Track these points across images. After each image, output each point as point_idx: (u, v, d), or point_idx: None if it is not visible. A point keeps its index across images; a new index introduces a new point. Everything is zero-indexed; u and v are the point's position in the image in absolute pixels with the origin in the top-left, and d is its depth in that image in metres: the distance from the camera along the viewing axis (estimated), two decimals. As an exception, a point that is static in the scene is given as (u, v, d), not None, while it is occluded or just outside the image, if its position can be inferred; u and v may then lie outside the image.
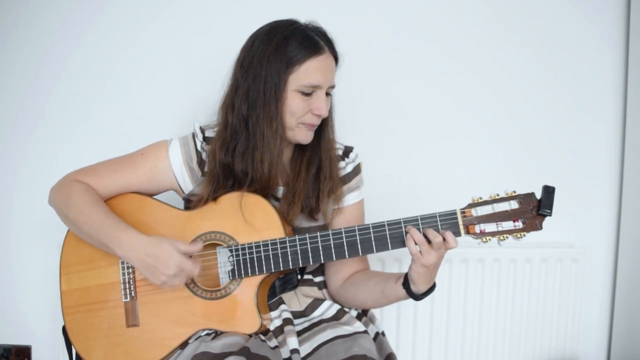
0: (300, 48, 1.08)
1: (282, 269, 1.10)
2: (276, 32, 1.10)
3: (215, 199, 1.13)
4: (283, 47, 1.08)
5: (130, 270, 1.15)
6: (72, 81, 1.65)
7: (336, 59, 1.16)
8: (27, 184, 1.66)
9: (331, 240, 1.09)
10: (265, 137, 1.10)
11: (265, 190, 1.14)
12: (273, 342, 1.11)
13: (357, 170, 1.26)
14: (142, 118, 1.66)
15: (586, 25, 1.80)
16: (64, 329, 1.18)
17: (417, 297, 1.11)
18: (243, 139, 1.12)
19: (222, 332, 1.11)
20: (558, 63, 1.80)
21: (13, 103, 1.65)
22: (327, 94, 1.15)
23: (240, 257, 1.11)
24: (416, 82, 1.76)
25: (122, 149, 1.22)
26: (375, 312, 1.36)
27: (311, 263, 1.10)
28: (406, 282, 1.10)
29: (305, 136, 1.15)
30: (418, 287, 1.09)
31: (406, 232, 1.05)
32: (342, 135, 1.30)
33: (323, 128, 1.19)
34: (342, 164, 1.24)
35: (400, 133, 1.77)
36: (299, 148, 1.22)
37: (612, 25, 1.81)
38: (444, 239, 1.03)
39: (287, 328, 1.13)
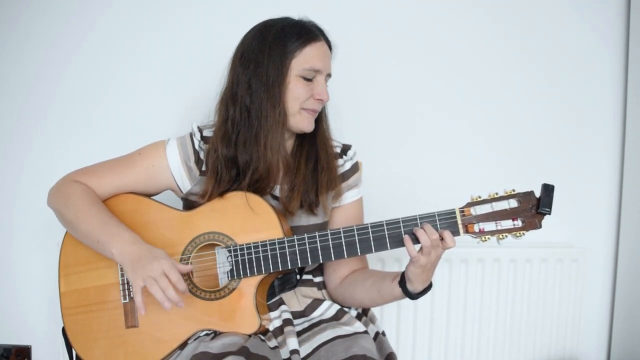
0: (298, 36, 1.12)
1: (280, 269, 1.10)
2: (273, 25, 1.14)
3: (219, 194, 1.14)
4: (281, 36, 1.12)
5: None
6: (71, 83, 1.66)
7: (330, 48, 1.19)
8: (27, 185, 1.66)
9: (330, 240, 1.09)
10: (269, 122, 1.11)
11: (267, 181, 1.15)
12: (273, 343, 1.11)
13: (355, 168, 1.26)
14: (141, 119, 1.66)
15: (586, 27, 1.80)
16: (63, 331, 1.18)
17: (414, 296, 1.11)
18: (245, 129, 1.13)
19: (221, 333, 1.10)
20: (558, 63, 1.80)
21: (14, 104, 1.65)
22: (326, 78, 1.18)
23: (239, 258, 1.11)
24: (418, 85, 1.76)
25: (122, 150, 1.22)
26: (375, 311, 1.36)
27: (310, 263, 1.10)
28: (403, 281, 1.10)
29: (308, 123, 1.16)
30: (415, 286, 1.09)
31: (405, 233, 1.05)
32: (343, 135, 1.30)
33: (318, 122, 1.21)
34: (340, 161, 1.25)
35: (401, 133, 1.77)
36: (298, 143, 1.22)
37: (612, 26, 1.81)
38: (442, 238, 1.03)
39: (287, 328, 1.13)
